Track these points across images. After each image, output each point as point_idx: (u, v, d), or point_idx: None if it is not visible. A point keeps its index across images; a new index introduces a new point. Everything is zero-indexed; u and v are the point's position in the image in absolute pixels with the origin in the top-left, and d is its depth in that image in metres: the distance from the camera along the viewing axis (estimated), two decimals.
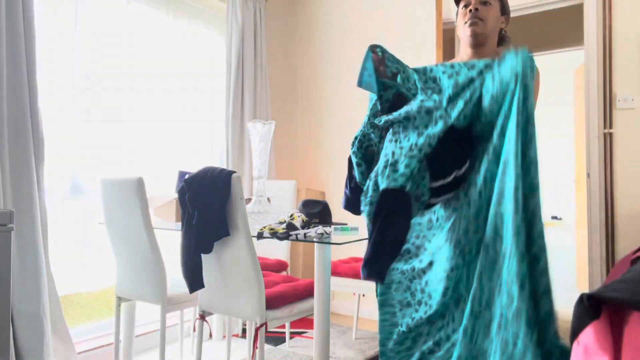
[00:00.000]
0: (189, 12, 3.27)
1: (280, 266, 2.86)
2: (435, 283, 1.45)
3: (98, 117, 2.71)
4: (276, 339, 3.02)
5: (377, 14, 3.61)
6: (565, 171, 8.44)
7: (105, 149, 2.75)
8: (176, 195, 2.45)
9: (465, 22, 1.71)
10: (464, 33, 1.73)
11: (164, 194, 2.61)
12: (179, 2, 3.19)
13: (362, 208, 1.49)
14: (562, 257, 6.21)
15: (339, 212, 3.73)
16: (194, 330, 2.81)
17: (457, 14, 1.79)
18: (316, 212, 2.25)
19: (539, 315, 1.22)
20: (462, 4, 1.74)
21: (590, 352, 0.68)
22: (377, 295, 1.58)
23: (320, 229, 1.84)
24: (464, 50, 1.78)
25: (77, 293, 2.70)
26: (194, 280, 1.91)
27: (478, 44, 1.72)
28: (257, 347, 1.91)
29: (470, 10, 1.69)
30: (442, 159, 1.42)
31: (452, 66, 1.44)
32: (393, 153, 1.44)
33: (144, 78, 2.96)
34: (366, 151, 1.61)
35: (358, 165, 1.61)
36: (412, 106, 1.44)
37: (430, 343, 1.46)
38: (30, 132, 2.17)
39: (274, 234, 1.84)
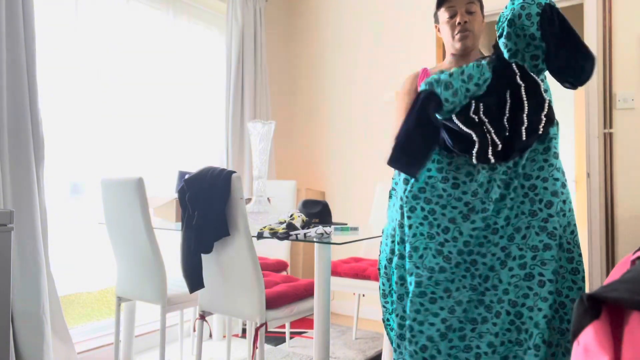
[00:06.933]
0: (189, 12, 3.27)
1: (280, 266, 2.86)
2: None
3: (98, 117, 2.71)
4: (276, 339, 3.02)
5: (377, 14, 3.61)
6: (565, 171, 8.45)
7: (106, 149, 2.75)
8: (176, 195, 2.45)
9: (455, 35, 1.68)
10: (452, 45, 1.71)
11: (164, 194, 2.61)
12: (179, 2, 3.19)
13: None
14: None
15: (339, 212, 3.73)
16: (194, 330, 2.81)
17: (436, 16, 1.76)
18: (316, 212, 2.25)
19: None
20: (447, 15, 1.69)
21: (590, 352, 0.68)
22: None
23: (320, 229, 1.84)
24: (451, 59, 1.76)
25: (77, 293, 2.70)
26: (194, 280, 1.91)
27: (467, 53, 1.71)
28: (257, 347, 1.91)
29: (459, 23, 1.66)
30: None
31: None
32: None
33: (144, 78, 2.96)
34: None
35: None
36: None
37: None
38: (30, 132, 2.17)
39: (274, 234, 1.84)
